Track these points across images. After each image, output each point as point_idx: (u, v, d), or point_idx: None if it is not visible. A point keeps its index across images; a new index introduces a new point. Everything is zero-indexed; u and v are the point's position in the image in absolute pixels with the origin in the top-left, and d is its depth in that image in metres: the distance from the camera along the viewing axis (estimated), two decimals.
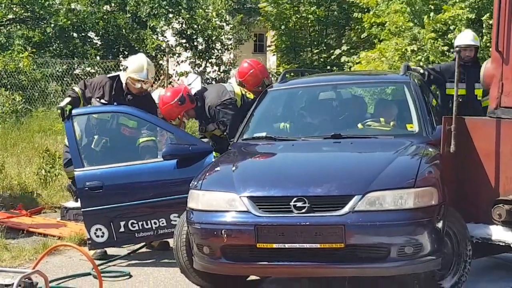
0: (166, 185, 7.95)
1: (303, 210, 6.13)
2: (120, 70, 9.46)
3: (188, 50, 22.60)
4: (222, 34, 22.28)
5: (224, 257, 6.38)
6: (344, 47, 19.09)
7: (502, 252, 7.33)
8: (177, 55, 22.33)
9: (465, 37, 9.69)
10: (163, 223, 7.96)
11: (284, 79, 8.54)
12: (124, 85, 8.40)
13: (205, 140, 8.39)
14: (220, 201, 6.43)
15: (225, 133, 8.50)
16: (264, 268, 6.36)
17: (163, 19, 21.23)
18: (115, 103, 8.33)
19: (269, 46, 23.88)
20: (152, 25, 20.75)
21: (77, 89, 8.41)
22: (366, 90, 8.47)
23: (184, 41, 22.72)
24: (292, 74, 11.01)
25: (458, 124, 6.96)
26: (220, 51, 22.60)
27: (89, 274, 7.63)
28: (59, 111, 8.19)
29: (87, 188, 7.96)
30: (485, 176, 7.04)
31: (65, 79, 20.21)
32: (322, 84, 8.60)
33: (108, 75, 8.66)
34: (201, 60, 22.34)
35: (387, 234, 6.08)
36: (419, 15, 14.98)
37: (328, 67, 19.90)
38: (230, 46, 23.21)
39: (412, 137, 7.29)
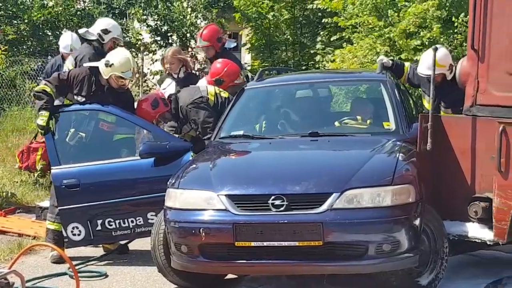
0: (143, 183, 7.92)
1: (281, 208, 6.14)
2: None
3: (163, 48, 22.49)
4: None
5: (202, 256, 6.38)
6: (319, 46, 19.09)
7: (478, 249, 7.40)
8: (151, 53, 22.20)
9: (421, 65, 8.58)
10: (140, 222, 7.93)
11: (261, 77, 8.53)
12: (104, 79, 8.28)
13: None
14: (198, 199, 6.43)
15: (197, 132, 8.45)
16: (242, 267, 6.37)
17: (140, 10, 21.11)
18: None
19: (244, 44, 23.84)
20: (132, 12, 20.59)
21: (48, 89, 8.17)
22: (343, 88, 8.48)
23: (159, 38, 22.60)
24: (268, 72, 10.99)
25: (434, 121, 7.00)
26: (195, 50, 22.53)
27: (65, 274, 7.59)
28: (40, 130, 8.13)
29: (63, 186, 7.91)
30: (461, 174, 7.07)
31: (39, 77, 20.02)
32: (299, 82, 8.62)
33: (87, 66, 8.47)
34: None
35: (365, 231, 6.11)
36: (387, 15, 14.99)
37: (304, 66, 19.91)
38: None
39: (389, 135, 7.33)
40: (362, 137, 7.39)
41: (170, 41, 22.39)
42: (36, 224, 9.68)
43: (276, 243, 6.14)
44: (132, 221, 7.94)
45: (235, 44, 10.35)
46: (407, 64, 8.96)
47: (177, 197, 6.54)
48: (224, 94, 8.51)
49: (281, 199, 6.14)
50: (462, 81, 7.65)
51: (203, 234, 6.25)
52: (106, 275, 7.56)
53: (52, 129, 8.08)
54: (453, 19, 13.74)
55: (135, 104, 8.52)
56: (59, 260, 8.05)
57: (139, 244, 8.56)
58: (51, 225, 8.17)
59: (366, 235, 6.11)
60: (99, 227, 7.96)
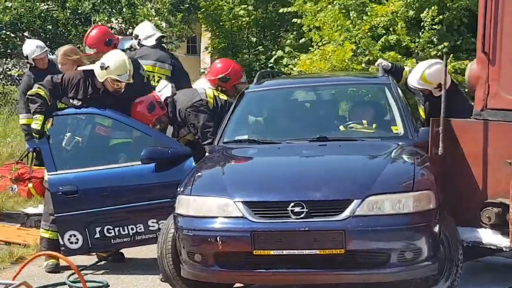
0: (144, 190, 7.67)
1: (301, 215, 5.96)
2: None
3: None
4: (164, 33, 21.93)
5: (218, 265, 6.17)
6: (287, 49, 18.94)
7: (488, 255, 7.29)
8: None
9: (411, 76, 8.30)
10: (140, 229, 7.67)
11: (259, 81, 8.35)
12: (100, 82, 8.02)
13: None
14: (213, 206, 6.21)
15: (196, 137, 8.23)
16: (261, 276, 6.18)
17: (107, 15, 20.78)
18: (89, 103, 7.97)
19: (207, 48, 23.63)
20: (96, 20, 20.26)
21: (42, 92, 7.87)
22: (346, 91, 8.32)
23: None
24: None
25: (445, 126, 6.88)
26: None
27: (64, 283, 7.32)
28: (35, 134, 7.85)
29: (60, 193, 7.64)
30: (473, 179, 6.96)
31: (1, 81, 19.66)
32: (301, 86, 8.46)
33: (82, 69, 8.21)
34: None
35: (387, 239, 5.97)
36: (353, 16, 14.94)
37: (269, 69, 19.74)
38: (169, 46, 22.85)
39: (398, 140, 7.19)
40: (372, 142, 7.25)
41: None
42: (22, 231, 9.37)
43: (296, 252, 5.96)
44: (132, 229, 7.68)
45: (131, 42, 9.90)
46: (406, 68, 8.83)
47: (189, 204, 6.31)
48: (223, 97, 8.29)
49: (301, 206, 5.97)
50: (472, 84, 7.54)
51: (220, 242, 6.04)
52: (107, 285, 7.28)
53: (47, 134, 7.78)
54: (421, 16, 13.73)
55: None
56: (55, 269, 7.81)
57: (133, 252, 8.32)
58: (46, 233, 7.89)
59: (388, 242, 5.97)
60: (97, 235, 7.69)
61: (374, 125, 7.59)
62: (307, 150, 7.15)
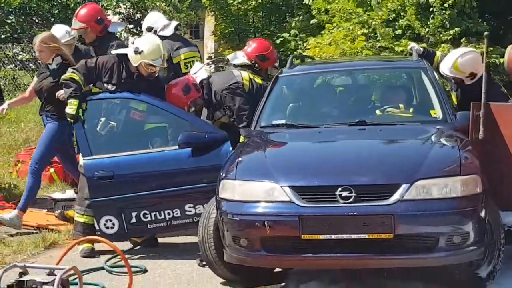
0: (181, 174, 7.62)
1: (350, 200, 5.93)
2: None
3: (135, 36, 22.11)
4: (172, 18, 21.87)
5: (264, 249, 6.13)
6: (293, 32, 18.86)
7: None
8: (124, 40, 21.81)
9: (443, 63, 8.30)
10: (177, 214, 7.65)
11: (292, 65, 8.31)
12: (133, 67, 7.97)
13: None
14: (259, 191, 6.17)
15: (232, 119, 8.18)
16: (308, 260, 6.12)
17: (114, 2, 20.72)
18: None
19: (213, 32, 23.53)
20: (104, 5, 20.18)
21: (76, 77, 7.84)
22: (382, 75, 8.28)
23: (131, 26, 22.24)
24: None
25: (486, 110, 6.86)
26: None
27: (102, 268, 7.30)
28: (70, 119, 7.81)
29: (96, 178, 7.60)
30: None
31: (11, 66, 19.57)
32: (336, 70, 8.42)
33: (115, 53, 8.17)
34: None
35: (436, 223, 5.93)
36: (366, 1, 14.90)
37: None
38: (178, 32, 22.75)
39: (437, 124, 7.16)
40: (411, 126, 7.21)
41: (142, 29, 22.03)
42: (51, 216, 9.32)
43: (345, 236, 5.93)
44: (168, 213, 7.65)
45: (123, 27, 9.81)
46: (438, 53, 8.79)
47: (235, 189, 6.27)
48: (258, 80, 8.25)
49: (349, 191, 5.93)
50: (510, 67, 7.53)
51: (268, 227, 6.00)
52: (146, 270, 7.24)
53: (82, 118, 7.74)
54: (429, 0, 13.66)
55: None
56: (90, 254, 7.78)
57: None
58: (81, 217, 7.86)
59: (436, 227, 5.93)
60: (133, 220, 7.67)
61: (411, 110, 7.55)
62: (348, 135, 7.10)
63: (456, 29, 13.70)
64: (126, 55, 8.01)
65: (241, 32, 21.82)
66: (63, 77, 7.96)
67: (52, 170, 11.32)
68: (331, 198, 5.97)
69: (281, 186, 6.07)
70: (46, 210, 9.73)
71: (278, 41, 18.60)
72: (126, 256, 7.62)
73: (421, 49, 8.61)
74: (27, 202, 8.73)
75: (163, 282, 6.95)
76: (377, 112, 7.56)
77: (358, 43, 13.76)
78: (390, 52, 13.59)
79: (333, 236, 5.94)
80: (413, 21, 14.04)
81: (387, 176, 6.06)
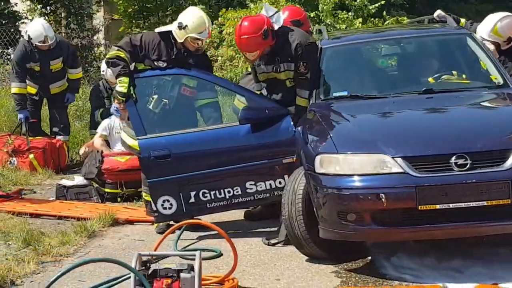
0: (240, 151, 7.38)
1: (466, 168, 5.84)
2: None
3: (46, 16, 21.17)
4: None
5: (375, 223, 5.97)
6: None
7: None
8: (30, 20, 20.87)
9: (480, 27, 8.47)
10: (237, 192, 7.39)
11: (327, 35, 8.13)
12: (179, 43, 7.60)
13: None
14: (367, 163, 6.00)
15: (302, 77, 7.57)
16: (424, 231, 6.00)
17: None
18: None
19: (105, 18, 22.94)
20: None
21: (123, 54, 7.49)
22: (429, 44, 8.19)
23: (40, 6, 21.32)
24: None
25: None
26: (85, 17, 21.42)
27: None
28: (121, 97, 7.45)
29: (152, 157, 7.24)
30: None
31: None
32: (383, 39, 8.29)
33: (158, 31, 7.83)
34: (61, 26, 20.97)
35: None
36: None
37: None
38: (92, 11, 22.04)
39: (501, 89, 7.19)
40: (481, 92, 7.20)
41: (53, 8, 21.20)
42: (71, 205, 8.89)
43: (462, 204, 5.84)
44: (229, 192, 7.39)
45: None
46: (462, 20, 8.83)
47: (339, 162, 6.07)
48: None
49: (464, 158, 5.85)
50: None
51: (384, 199, 5.84)
52: (221, 254, 6.92)
53: (134, 96, 7.34)
54: None
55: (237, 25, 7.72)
56: (165, 231, 7.16)
57: (218, 217, 7.93)
58: (147, 197, 7.56)
59: None
60: (192, 199, 7.37)
61: (463, 76, 7.53)
62: (426, 103, 6.99)
63: None
64: (170, 32, 7.69)
65: (145, 11, 21.41)
66: (108, 55, 7.56)
67: (31, 156, 10.78)
68: (446, 166, 5.87)
69: (393, 157, 5.92)
70: (53, 197, 9.22)
71: None
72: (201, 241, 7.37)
73: (446, 15, 8.62)
74: None
75: (242, 264, 6.57)
76: (430, 79, 7.49)
77: None
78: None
79: (451, 205, 5.85)
80: None
81: (500, 142, 6.02)
